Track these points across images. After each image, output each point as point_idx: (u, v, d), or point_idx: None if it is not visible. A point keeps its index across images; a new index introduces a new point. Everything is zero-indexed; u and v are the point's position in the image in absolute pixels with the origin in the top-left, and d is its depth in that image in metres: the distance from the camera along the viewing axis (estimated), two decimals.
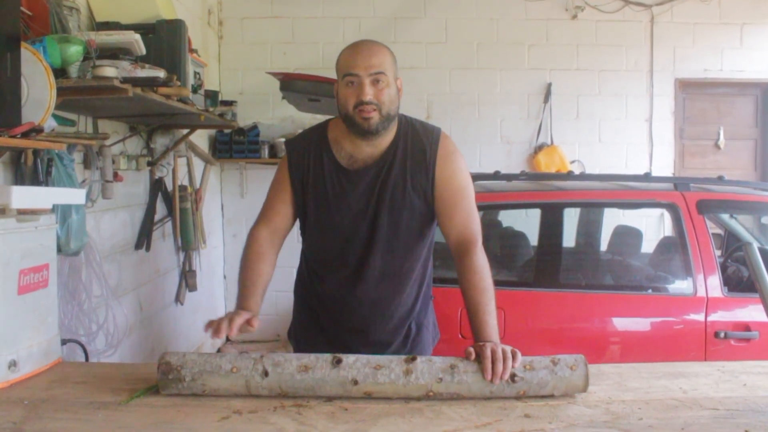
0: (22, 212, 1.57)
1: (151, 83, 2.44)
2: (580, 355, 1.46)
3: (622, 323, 3.05)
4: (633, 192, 3.36)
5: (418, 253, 1.85)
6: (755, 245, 1.91)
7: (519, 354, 1.45)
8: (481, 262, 1.69)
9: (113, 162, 2.95)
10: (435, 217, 1.81)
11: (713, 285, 2.96)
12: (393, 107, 1.70)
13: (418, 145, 1.78)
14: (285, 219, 1.83)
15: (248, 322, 1.53)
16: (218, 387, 1.42)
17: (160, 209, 3.75)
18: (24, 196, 1.60)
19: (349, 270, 1.82)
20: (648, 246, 3.86)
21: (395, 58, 1.74)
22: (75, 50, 2.12)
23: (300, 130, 2.09)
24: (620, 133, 5.43)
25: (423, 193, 1.77)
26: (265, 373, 1.41)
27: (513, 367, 1.42)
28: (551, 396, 1.43)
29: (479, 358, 1.43)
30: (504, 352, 1.43)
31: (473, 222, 1.77)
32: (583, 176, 4.31)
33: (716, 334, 2.88)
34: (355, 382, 1.40)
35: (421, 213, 1.79)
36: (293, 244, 1.95)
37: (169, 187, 3.83)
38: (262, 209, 1.85)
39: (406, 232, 1.79)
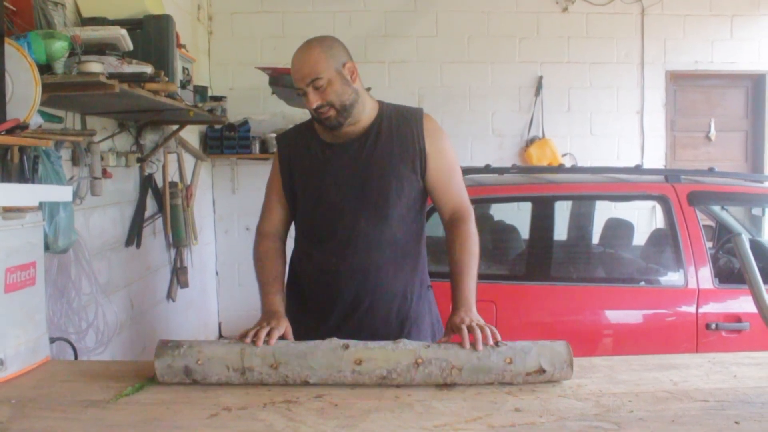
0: (7, 210, 1.56)
1: (137, 79, 2.42)
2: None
3: (613, 316, 3.05)
4: (624, 185, 3.36)
5: (409, 223, 1.85)
6: (744, 236, 1.92)
7: (495, 330, 1.53)
8: (473, 231, 1.80)
9: (102, 159, 2.93)
10: (425, 191, 1.86)
11: (704, 277, 2.97)
12: (346, 96, 1.76)
13: (403, 121, 1.85)
14: (286, 210, 1.92)
15: (284, 335, 1.60)
16: (213, 355, 1.46)
17: (151, 206, 3.73)
18: (9, 193, 1.59)
19: (340, 239, 1.82)
20: (639, 238, 3.86)
21: (336, 48, 1.77)
22: (60, 46, 2.10)
23: (291, 126, 2.11)
24: (611, 126, 5.44)
25: (412, 164, 1.82)
26: None
27: (492, 337, 1.50)
28: (540, 372, 1.44)
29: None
30: (481, 327, 1.53)
31: (466, 195, 1.87)
32: (574, 169, 4.32)
33: (707, 326, 2.89)
34: (346, 347, 1.47)
35: (409, 182, 1.82)
36: (293, 234, 1.97)
37: (160, 184, 3.81)
38: (263, 204, 1.94)
39: (396, 199, 1.81)
